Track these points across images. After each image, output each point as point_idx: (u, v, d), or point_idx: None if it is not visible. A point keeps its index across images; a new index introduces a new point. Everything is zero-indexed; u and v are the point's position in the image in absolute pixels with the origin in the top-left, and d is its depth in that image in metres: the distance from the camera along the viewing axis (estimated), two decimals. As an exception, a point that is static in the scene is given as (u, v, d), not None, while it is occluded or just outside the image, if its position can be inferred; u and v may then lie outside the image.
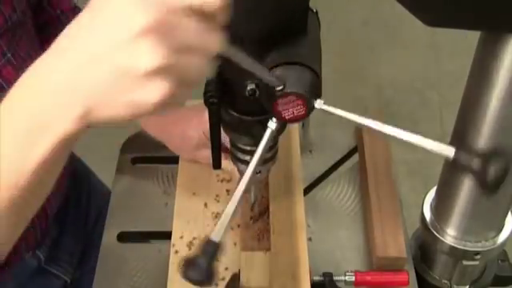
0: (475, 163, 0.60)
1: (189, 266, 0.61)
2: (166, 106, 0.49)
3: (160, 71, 0.47)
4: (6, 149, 0.51)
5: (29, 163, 0.50)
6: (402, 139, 0.62)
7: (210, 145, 0.93)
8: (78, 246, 1.02)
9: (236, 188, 0.64)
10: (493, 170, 0.60)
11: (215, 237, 0.62)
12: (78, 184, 1.06)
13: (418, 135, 0.61)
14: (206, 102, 0.64)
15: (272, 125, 0.62)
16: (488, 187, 0.60)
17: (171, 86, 0.48)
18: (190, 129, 0.95)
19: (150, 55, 0.46)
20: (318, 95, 0.61)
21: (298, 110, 0.60)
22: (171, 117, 0.97)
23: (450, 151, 0.61)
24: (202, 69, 0.50)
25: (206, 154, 0.94)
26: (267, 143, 0.63)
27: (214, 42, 0.49)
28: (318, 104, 0.61)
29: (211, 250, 0.62)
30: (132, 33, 0.46)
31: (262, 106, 0.61)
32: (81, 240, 1.03)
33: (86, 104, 0.49)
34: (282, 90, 0.58)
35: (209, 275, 0.61)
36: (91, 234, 1.06)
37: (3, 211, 0.52)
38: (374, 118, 1.05)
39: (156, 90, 0.48)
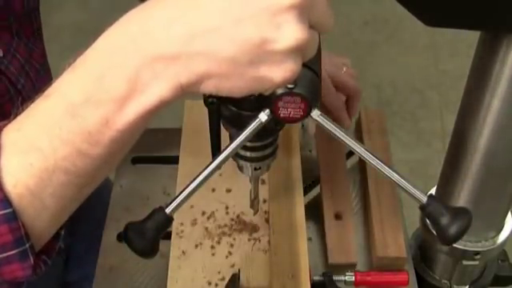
0: (443, 218, 0.60)
1: (134, 231, 0.59)
2: (281, 85, 0.49)
3: (297, 49, 0.47)
4: (89, 119, 0.49)
5: (109, 130, 0.49)
6: (383, 172, 0.62)
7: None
8: None
9: (208, 165, 0.63)
10: (455, 229, 0.60)
11: (169, 209, 0.60)
12: None
13: (398, 175, 0.62)
14: (206, 102, 0.64)
15: (263, 117, 0.61)
16: (446, 242, 0.61)
17: (299, 65, 0.48)
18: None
19: (293, 32, 0.46)
20: (318, 99, 0.61)
21: (296, 112, 0.59)
22: None
23: (422, 197, 0.62)
24: (316, 46, 0.51)
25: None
26: (252, 132, 0.62)
27: (332, 19, 0.50)
28: (315, 114, 0.61)
29: (161, 220, 0.60)
30: (281, 5, 0.45)
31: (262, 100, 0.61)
32: None
33: (206, 70, 0.47)
34: (291, 88, 0.58)
35: (153, 246, 0.60)
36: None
37: (71, 181, 0.51)
38: (374, 119, 1.06)
39: (287, 67, 0.48)
